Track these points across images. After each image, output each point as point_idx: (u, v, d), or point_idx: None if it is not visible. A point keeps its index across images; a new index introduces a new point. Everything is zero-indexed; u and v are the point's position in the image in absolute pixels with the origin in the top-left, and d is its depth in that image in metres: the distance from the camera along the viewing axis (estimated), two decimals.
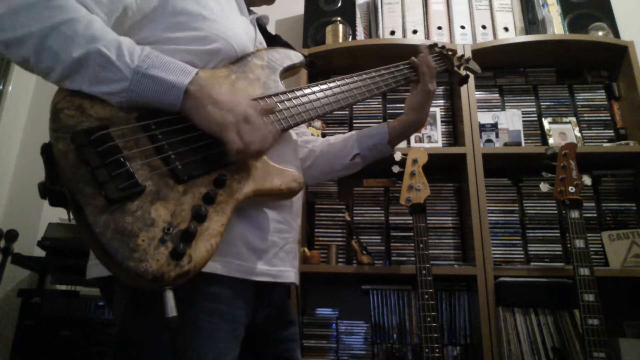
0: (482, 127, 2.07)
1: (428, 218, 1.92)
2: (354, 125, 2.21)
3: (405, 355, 1.88)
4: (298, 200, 0.97)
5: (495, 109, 2.17)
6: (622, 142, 1.98)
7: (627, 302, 1.87)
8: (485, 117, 2.10)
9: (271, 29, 1.16)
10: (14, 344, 1.79)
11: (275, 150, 0.89)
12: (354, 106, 2.24)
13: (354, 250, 1.92)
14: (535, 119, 2.16)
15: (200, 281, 0.72)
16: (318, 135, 2.07)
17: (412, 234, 1.62)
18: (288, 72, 1.01)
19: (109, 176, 0.66)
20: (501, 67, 2.23)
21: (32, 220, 2.29)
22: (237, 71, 0.91)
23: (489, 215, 1.93)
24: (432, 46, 1.33)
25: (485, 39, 2.22)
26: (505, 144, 2.03)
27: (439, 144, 2.10)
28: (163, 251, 0.65)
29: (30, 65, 0.73)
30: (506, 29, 2.25)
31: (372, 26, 2.37)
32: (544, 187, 1.67)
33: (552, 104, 2.18)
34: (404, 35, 2.27)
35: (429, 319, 1.50)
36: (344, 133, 2.21)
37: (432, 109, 2.17)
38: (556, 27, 2.20)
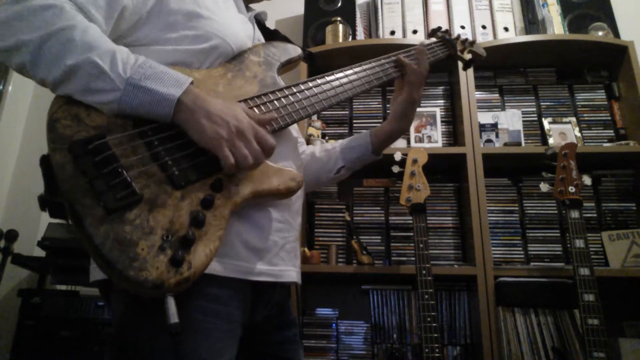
0: (482, 127, 2.07)
1: (428, 218, 1.93)
2: (354, 124, 2.21)
3: (405, 355, 1.88)
4: (298, 199, 0.97)
5: (495, 109, 2.17)
6: (622, 142, 1.98)
7: (627, 302, 1.87)
8: (485, 117, 2.10)
9: (271, 28, 1.16)
10: (14, 344, 1.79)
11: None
12: (354, 106, 2.24)
13: (354, 250, 1.92)
14: (535, 119, 2.16)
15: (198, 282, 0.72)
16: (318, 136, 2.07)
17: (412, 234, 1.62)
18: (286, 66, 1.01)
19: (107, 186, 0.67)
20: (501, 67, 2.23)
21: (32, 220, 2.28)
22: (234, 69, 0.90)
23: (489, 215, 1.93)
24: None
25: (485, 39, 2.22)
26: (505, 144, 2.03)
27: (439, 144, 2.09)
28: (162, 259, 0.65)
29: (27, 71, 0.74)
30: (506, 29, 2.25)
31: (372, 26, 2.37)
32: (544, 187, 1.67)
33: (552, 104, 2.17)
34: (404, 35, 2.27)
35: (429, 319, 1.50)
36: (344, 132, 2.24)
37: (432, 108, 2.17)
38: (556, 27, 2.19)
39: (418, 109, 2.16)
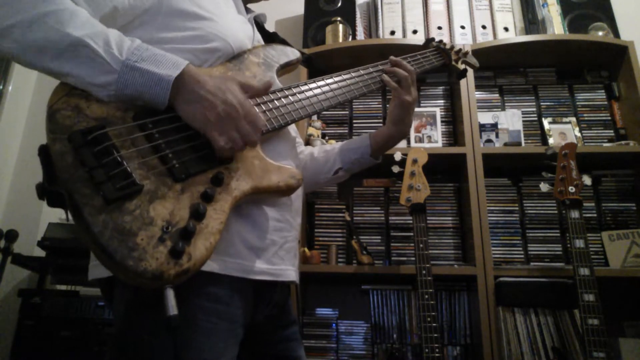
0: (482, 127, 2.07)
1: (428, 218, 1.93)
2: (354, 124, 2.21)
3: (405, 355, 1.88)
4: (298, 198, 0.97)
5: (495, 109, 2.17)
6: (622, 142, 1.98)
7: (627, 302, 1.86)
8: (485, 117, 2.10)
9: (271, 28, 1.16)
10: (14, 344, 1.79)
11: (273, 147, 0.89)
12: (354, 106, 2.24)
13: (354, 250, 1.92)
14: (535, 119, 2.16)
15: (199, 280, 0.72)
16: (318, 136, 2.07)
17: (412, 234, 1.62)
18: (285, 69, 1.01)
19: (107, 176, 0.66)
20: (501, 67, 2.23)
21: (32, 220, 2.29)
22: (233, 68, 0.91)
23: (489, 215, 1.93)
24: (429, 41, 1.32)
25: (485, 39, 2.22)
26: (505, 144, 2.03)
27: (439, 144, 2.09)
28: (162, 250, 0.65)
29: (15, 57, 0.73)
30: (506, 29, 2.25)
31: (372, 26, 2.38)
32: (544, 187, 1.67)
33: (552, 104, 2.18)
34: (404, 35, 2.27)
35: (429, 319, 1.50)
36: (344, 133, 2.24)
37: (432, 108, 2.17)
38: (556, 27, 2.20)
39: (418, 109, 2.19)
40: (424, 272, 1.55)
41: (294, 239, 0.95)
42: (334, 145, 1.22)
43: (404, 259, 2.00)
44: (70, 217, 0.66)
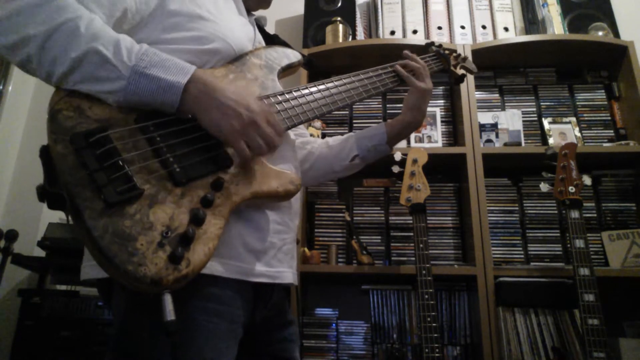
0: (482, 127, 2.07)
1: (428, 218, 1.92)
2: (354, 125, 2.21)
3: (405, 355, 1.88)
4: (296, 201, 0.98)
5: (495, 109, 2.17)
6: (622, 142, 1.98)
7: (627, 302, 1.87)
8: (485, 117, 2.10)
9: (271, 28, 1.16)
10: (14, 344, 1.79)
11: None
12: (354, 106, 2.24)
13: (354, 250, 1.92)
14: (535, 119, 2.16)
15: (200, 282, 0.72)
16: (318, 136, 2.07)
17: (412, 234, 1.62)
18: (286, 71, 1.02)
19: (108, 179, 0.66)
20: (501, 67, 2.23)
21: (32, 220, 2.29)
22: (235, 70, 0.91)
23: (489, 215, 1.93)
24: (429, 45, 1.33)
25: (485, 39, 2.22)
26: (505, 144, 2.03)
27: (439, 144, 2.09)
28: (161, 255, 0.64)
29: (33, 67, 0.73)
30: (506, 29, 2.25)
31: (372, 26, 2.38)
32: (544, 187, 1.67)
33: (552, 104, 2.18)
34: (404, 35, 2.27)
35: (429, 319, 1.50)
36: (344, 133, 2.23)
37: (432, 109, 2.17)
38: (556, 27, 2.19)
39: None
40: (424, 272, 1.55)
41: (292, 240, 0.96)
42: (350, 133, 1.22)
43: (404, 259, 2.00)
44: (70, 219, 0.66)
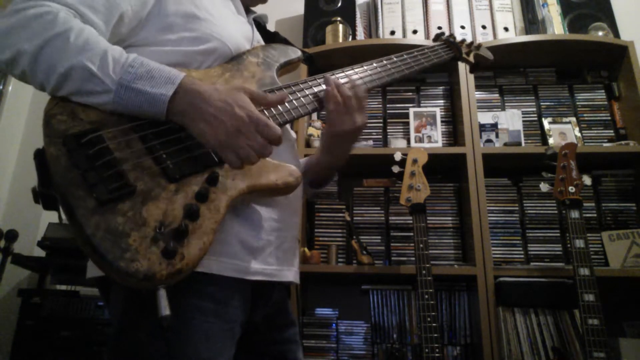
0: (482, 127, 2.07)
1: (428, 218, 1.92)
2: None
3: (405, 355, 1.88)
4: (297, 199, 0.97)
5: (495, 109, 2.17)
6: (622, 142, 1.97)
7: (627, 302, 1.87)
8: (485, 117, 2.10)
9: (271, 28, 1.16)
10: (14, 344, 1.79)
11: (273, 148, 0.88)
12: None
13: (354, 250, 1.92)
14: (535, 119, 2.16)
15: (195, 281, 0.72)
16: (318, 135, 2.07)
17: (412, 234, 1.62)
18: (285, 67, 1.01)
19: (100, 178, 0.67)
20: (501, 67, 2.23)
21: (32, 220, 2.29)
22: (232, 69, 0.90)
23: (489, 215, 1.93)
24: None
25: (485, 39, 2.22)
26: (505, 144, 2.03)
27: (439, 144, 2.09)
28: (155, 250, 0.64)
29: (28, 80, 0.75)
30: (506, 29, 2.25)
31: (372, 26, 2.38)
32: (544, 187, 1.67)
33: (552, 104, 2.17)
34: (404, 35, 2.27)
35: (429, 319, 1.50)
36: None
37: (432, 109, 2.17)
38: (556, 27, 2.19)
39: (418, 109, 2.18)
40: (424, 272, 1.55)
41: (293, 239, 0.95)
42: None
43: (404, 259, 2.00)
44: (64, 218, 0.67)
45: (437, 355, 1.47)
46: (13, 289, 2.15)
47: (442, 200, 2.06)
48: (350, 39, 2.24)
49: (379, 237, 2.04)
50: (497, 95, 2.21)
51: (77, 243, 0.66)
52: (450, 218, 2.04)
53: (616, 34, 2.15)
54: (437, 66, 1.23)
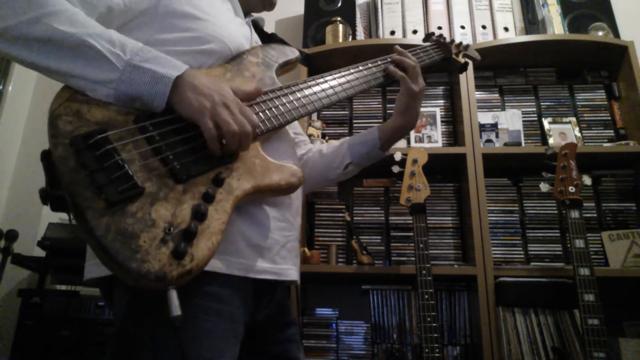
0: (482, 127, 2.07)
1: (428, 218, 1.93)
2: (354, 124, 2.21)
3: (405, 355, 1.88)
4: (298, 199, 0.97)
5: (495, 109, 2.17)
6: (622, 142, 1.98)
7: (627, 302, 1.87)
8: (485, 117, 2.10)
9: (271, 28, 1.16)
10: (14, 344, 1.79)
11: (273, 147, 0.89)
12: (354, 106, 2.24)
13: (354, 250, 1.92)
14: (535, 119, 2.16)
15: (201, 280, 0.72)
16: (318, 136, 2.07)
17: (412, 234, 1.62)
18: (284, 68, 1.01)
19: (108, 179, 0.67)
20: (501, 67, 2.23)
21: (32, 220, 2.29)
22: (232, 69, 0.91)
23: (489, 215, 1.93)
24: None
25: (485, 39, 2.23)
26: (505, 144, 2.03)
27: (439, 144, 2.10)
28: (165, 251, 0.65)
29: (16, 57, 0.74)
30: (506, 29, 2.25)
31: (372, 26, 2.38)
32: (544, 187, 1.67)
33: (552, 104, 2.18)
34: (404, 35, 2.27)
35: (429, 319, 1.50)
36: (344, 133, 2.24)
37: (432, 108, 2.17)
38: (556, 27, 2.20)
39: None
40: (424, 272, 1.55)
41: (295, 238, 0.95)
42: (342, 140, 1.21)
43: (404, 259, 2.00)
44: (73, 220, 0.67)
45: (437, 355, 1.47)
46: (13, 289, 2.15)
47: (442, 200, 2.06)
48: (350, 39, 2.24)
49: (379, 237, 2.04)
50: (497, 95, 2.21)
51: (87, 244, 0.66)
52: (450, 218, 2.04)
53: (616, 34, 2.15)
54: (430, 66, 1.24)
